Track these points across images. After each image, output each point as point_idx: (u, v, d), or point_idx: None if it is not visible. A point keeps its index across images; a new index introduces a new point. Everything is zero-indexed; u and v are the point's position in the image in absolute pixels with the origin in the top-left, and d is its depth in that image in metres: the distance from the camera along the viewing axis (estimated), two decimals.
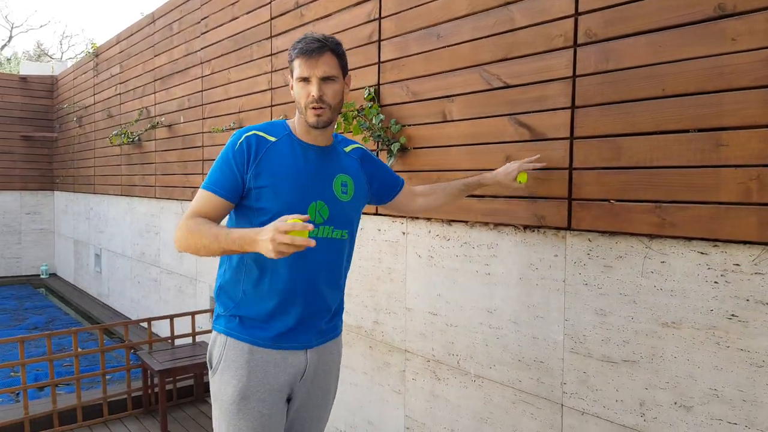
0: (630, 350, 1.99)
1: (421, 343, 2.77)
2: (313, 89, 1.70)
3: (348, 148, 1.93)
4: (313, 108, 1.70)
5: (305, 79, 1.71)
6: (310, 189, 1.75)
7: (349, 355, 3.20)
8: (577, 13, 2.13)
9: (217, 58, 4.62)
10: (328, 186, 1.79)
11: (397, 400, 2.91)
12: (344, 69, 1.78)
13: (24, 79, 9.54)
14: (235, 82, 4.35)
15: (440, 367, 2.67)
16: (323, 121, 1.73)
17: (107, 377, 4.01)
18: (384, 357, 2.98)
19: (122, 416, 3.90)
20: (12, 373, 5.18)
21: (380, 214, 2.99)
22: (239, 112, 4.28)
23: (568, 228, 2.17)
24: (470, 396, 2.54)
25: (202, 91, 4.87)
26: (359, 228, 2.55)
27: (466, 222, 2.56)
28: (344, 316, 3.19)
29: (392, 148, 2.82)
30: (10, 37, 33.33)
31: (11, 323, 7.14)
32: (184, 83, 5.23)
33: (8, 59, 24.06)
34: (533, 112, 2.28)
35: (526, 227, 2.33)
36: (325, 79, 1.70)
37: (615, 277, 2.04)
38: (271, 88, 3.88)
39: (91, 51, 7.68)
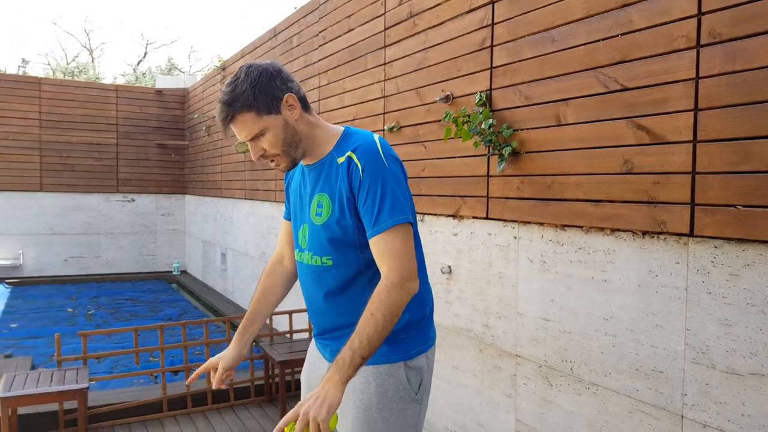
0: (758, 363, 1.90)
1: (533, 348, 2.77)
2: (251, 153, 1.64)
3: (341, 159, 1.63)
4: (269, 162, 1.65)
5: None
6: (299, 213, 1.76)
7: (459, 358, 3.25)
8: (700, 13, 2.06)
9: (333, 68, 4.85)
10: (307, 208, 1.71)
11: (507, 403, 2.93)
12: (268, 109, 1.57)
13: (159, 91, 10.48)
14: (349, 91, 4.56)
15: (553, 373, 2.66)
16: (286, 167, 1.67)
17: None
18: (494, 361, 3.01)
19: (246, 402, 4.22)
20: (151, 358, 5.74)
21: (490, 219, 3.02)
22: (353, 120, 4.47)
23: (691, 234, 2.10)
24: (584, 403, 2.51)
25: (318, 100, 5.13)
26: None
27: (581, 227, 2.53)
28: (454, 320, 3.26)
29: (503, 152, 2.85)
30: (145, 53, 36.55)
31: (149, 314, 7.88)
32: None
33: (143, 74, 26.43)
34: (653, 115, 2.23)
35: (645, 233, 2.27)
36: (253, 139, 1.60)
37: (742, 286, 1.94)
38: (384, 96, 4.03)
39: (218, 65, 8.30)
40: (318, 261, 1.67)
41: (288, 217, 1.91)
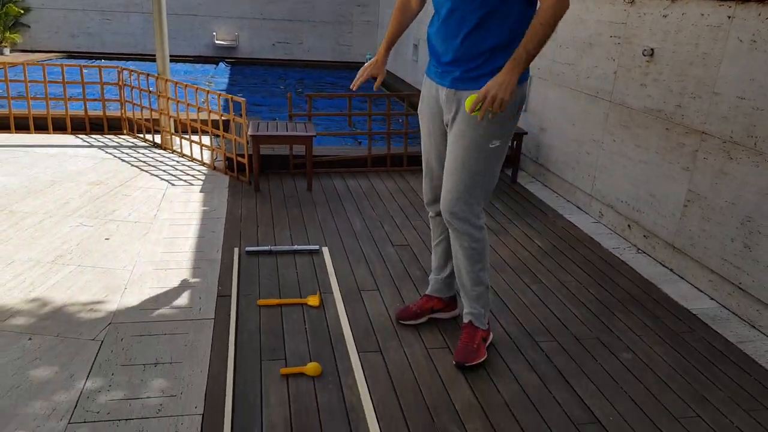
0: None
1: (721, 125, 2.95)
2: None
3: None
4: None
5: None
6: None
7: (643, 137, 3.51)
8: None
9: None
10: None
11: (683, 176, 3.21)
12: None
13: None
14: None
15: (735, 148, 2.86)
16: None
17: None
18: (679, 138, 3.24)
19: (400, 170, 4.93)
20: (350, 126, 6.68)
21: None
22: None
23: None
24: (760, 174, 2.72)
25: None
26: None
27: None
28: (646, 101, 3.45)
29: None
30: None
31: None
32: None
33: None
34: None
35: None
36: None
37: None
38: None
39: None
40: None
41: None
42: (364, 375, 2.26)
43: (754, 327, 2.73)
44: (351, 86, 2.43)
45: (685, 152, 3.20)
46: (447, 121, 2.22)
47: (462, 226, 2.25)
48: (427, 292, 2.66)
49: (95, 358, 2.31)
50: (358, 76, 2.43)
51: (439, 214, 2.46)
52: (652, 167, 3.46)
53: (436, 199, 2.44)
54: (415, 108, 2.65)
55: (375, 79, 2.48)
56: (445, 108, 2.21)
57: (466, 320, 2.44)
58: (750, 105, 2.77)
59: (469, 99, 1.99)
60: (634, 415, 2.10)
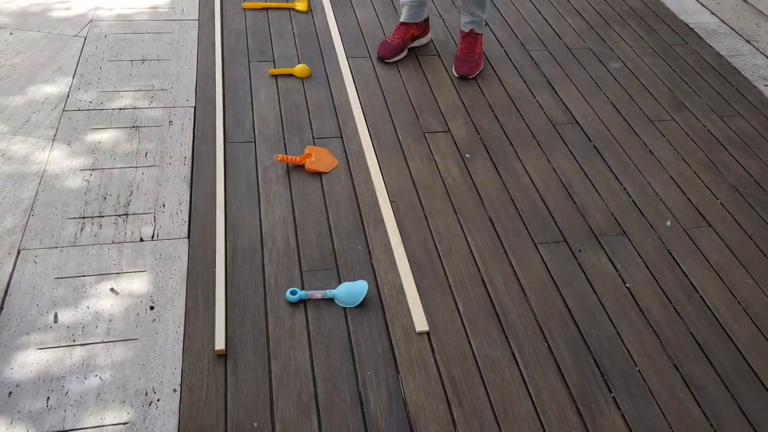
0: None
1: None
2: None
3: None
4: None
5: None
6: None
7: None
8: None
9: None
10: None
11: None
12: None
13: None
14: None
15: None
16: None
17: None
18: None
19: None
20: None
21: None
22: None
23: None
24: None
25: None
26: None
27: None
28: None
29: None
30: None
31: None
32: None
33: None
34: None
35: None
36: None
37: None
38: None
39: None
40: None
41: None
42: (353, 77, 2.28)
43: (749, 42, 2.69)
44: None
45: None
46: None
47: None
48: (402, 20, 2.43)
49: (80, 54, 2.29)
50: None
51: None
52: None
53: None
54: None
55: None
56: None
57: (466, 30, 2.36)
58: None
59: None
60: (611, 118, 2.19)
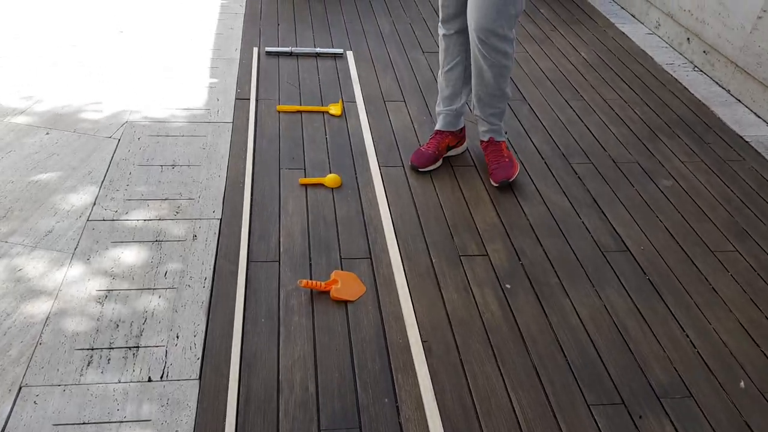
0: None
1: None
2: None
3: None
4: None
5: None
6: None
7: None
8: None
9: None
10: None
11: None
12: None
13: None
14: None
15: None
16: None
17: None
18: None
19: None
20: None
21: None
22: None
23: None
24: None
25: None
26: None
27: None
28: None
29: None
30: None
31: None
32: None
33: None
34: None
35: None
36: None
37: None
38: None
39: None
40: None
41: None
42: (385, 189, 2.18)
43: None
44: None
45: None
46: None
47: (498, 44, 1.98)
48: (438, 128, 2.34)
49: (112, 157, 2.25)
50: None
51: (459, 31, 2.14)
52: None
53: (459, 12, 2.10)
54: None
55: None
56: None
57: (485, 138, 2.27)
58: None
59: None
60: (666, 245, 2.01)
